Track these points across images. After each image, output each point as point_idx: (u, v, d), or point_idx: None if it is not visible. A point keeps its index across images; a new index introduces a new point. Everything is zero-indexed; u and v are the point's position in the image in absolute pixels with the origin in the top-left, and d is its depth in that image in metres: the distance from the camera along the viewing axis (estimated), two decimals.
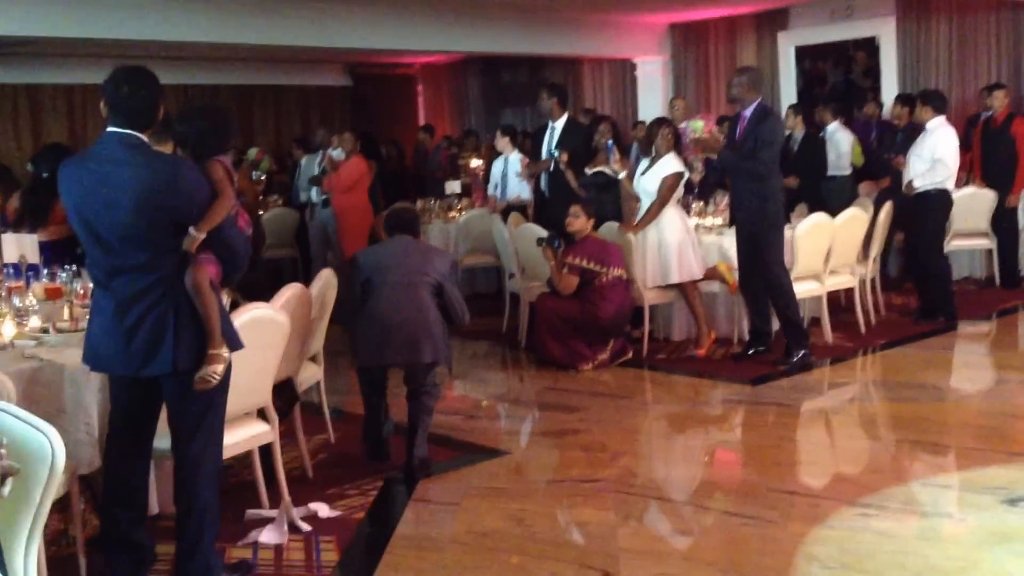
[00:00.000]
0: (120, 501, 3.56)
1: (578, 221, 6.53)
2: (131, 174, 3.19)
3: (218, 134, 3.51)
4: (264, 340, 3.94)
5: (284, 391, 4.54)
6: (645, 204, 6.76)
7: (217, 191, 3.36)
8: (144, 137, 3.29)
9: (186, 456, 3.47)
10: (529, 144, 9.11)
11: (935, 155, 7.18)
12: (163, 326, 3.28)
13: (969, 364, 6.75)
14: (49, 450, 2.17)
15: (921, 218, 7.35)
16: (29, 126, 12.80)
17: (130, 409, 3.51)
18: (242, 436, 4.05)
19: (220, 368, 3.33)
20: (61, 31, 8.51)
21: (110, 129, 3.27)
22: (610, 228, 6.85)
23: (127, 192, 3.18)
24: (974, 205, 8.30)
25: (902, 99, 8.75)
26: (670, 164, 6.68)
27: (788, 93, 11.39)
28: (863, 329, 7.13)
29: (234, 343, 3.45)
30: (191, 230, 3.25)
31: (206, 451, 3.48)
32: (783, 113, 9.67)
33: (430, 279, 4.74)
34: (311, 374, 5.11)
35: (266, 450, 4.24)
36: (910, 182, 7.27)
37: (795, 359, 6.32)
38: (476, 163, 10.27)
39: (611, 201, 7.28)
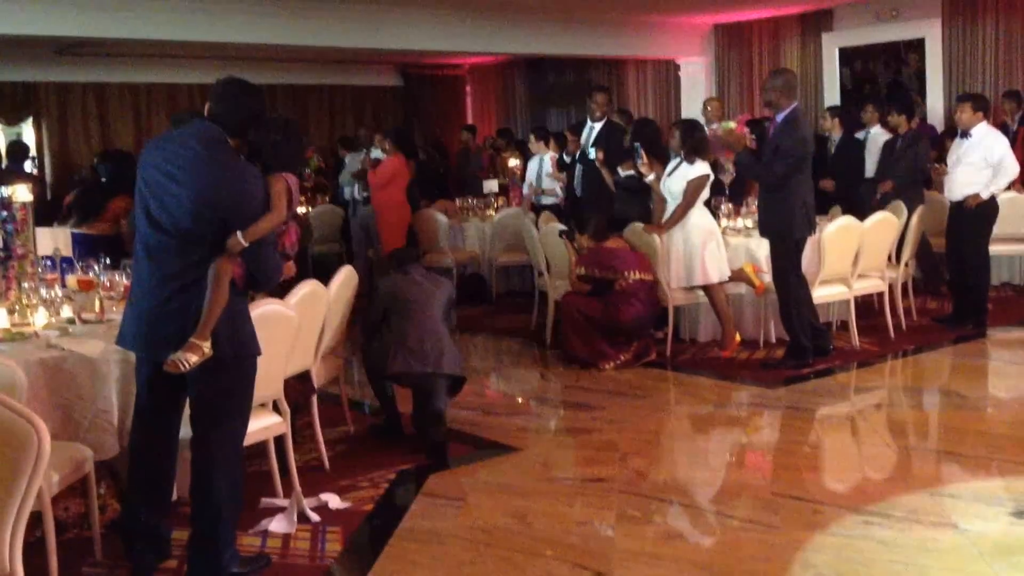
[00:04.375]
0: (141, 493, 3.62)
1: (581, 240, 6.73)
2: (196, 163, 3.33)
3: (291, 149, 3.59)
4: (274, 335, 4.05)
5: (300, 384, 4.67)
6: (671, 206, 6.78)
7: (271, 205, 3.44)
8: (225, 135, 3.42)
9: (204, 447, 3.51)
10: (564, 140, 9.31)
11: (992, 161, 7.05)
12: (187, 312, 3.34)
13: (997, 372, 6.63)
14: (35, 439, 2.27)
15: (967, 225, 7.23)
16: (97, 124, 13.21)
17: (156, 396, 3.56)
18: (255, 427, 4.15)
19: (192, 358, 3.32)
20: (124, 32, 8.84)
21: (199, 119, 3.47)
22: (635, 229, 6.88)
23: (188, 178, 3.31)
24: (1014, 210, 8.13)
25: (900, 106, 8.58)
26: (696, 166, 6.69)
27: (832, 94, 11.27)
28: (892, 334, 7.06)
29: (249, 348, 3.50)
30: (239, 234, 3.32)
31: (224, 445, 3.51)
32: (821, 116, 9.59)
33: (441, 304, 5.24)
34: (332, 367, 5.25)
35: (282, 441, 4.37)
36: (976, 194, 7.09)
37: (786, 364, 6.35)
38: (514, 163, 10.37)
39: (640, 203, 7.31)
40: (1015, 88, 9.39)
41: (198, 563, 3.56)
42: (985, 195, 7.08)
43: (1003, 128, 8.86)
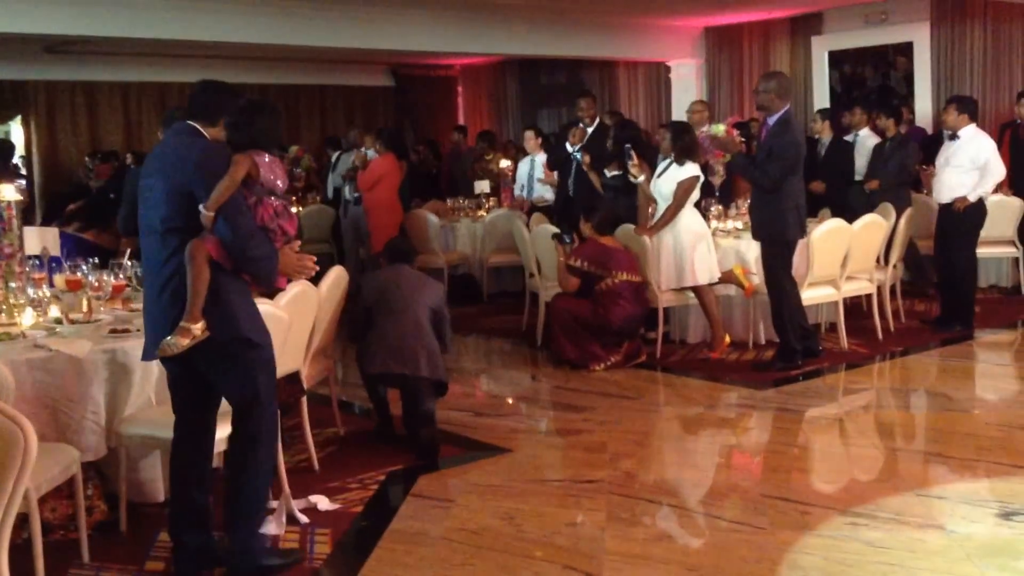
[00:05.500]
0: (182, 500, 3.61)
1: (583, 226, 6.71)
2: (167, 152, 3.48)
3: (241, 130, 3.58)
4: None
5: (290, 385, 4.66)
6: (661, 207, 6.80)
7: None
8: (199, 127, 3.51)
9: (236, 441, 3.58)
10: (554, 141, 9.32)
11: (978, 163, 7.07)
12: (177, 300, 3.38)
13: (984, 374, 6.67)
14: (22, 440, 2.26)
15: (955, 227, 7.25)
16: (86, 122, 13.18)
17: (184, 397, 3.60)
18: None
19: (184, 341, 3.33)
20: (114, 31, 8.82)
21: (180, 123, 3.57)
22: (626, 230, 6.89)
23: (160, 167, 3.45)
24: (1001, 213, 8.19)
25: (888, 110, 8.63)
26: (686, 168, 6.70)
27: (821, 97, 11.32)
28: (880, 336, 7.09)
29: (243, 332, 3.48)
30: (200, 207, 3.36)
31: (252, 441, 3.54)
32: (811, 118, 9.62)
33: (426, 304, 5.16)
34: (323, 368, 5.24)
35: None
36: (963, 196, 7.10)
37: (775, 365, 6.36)
38: (505, 163, 10.37)
39: (629, 203, 7.32)
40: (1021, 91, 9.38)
41: (229, 556, 3.60)
42: (972, 198, 7.11)
43: (1011, 126, 8.92)
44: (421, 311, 5.14)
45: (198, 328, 3.36)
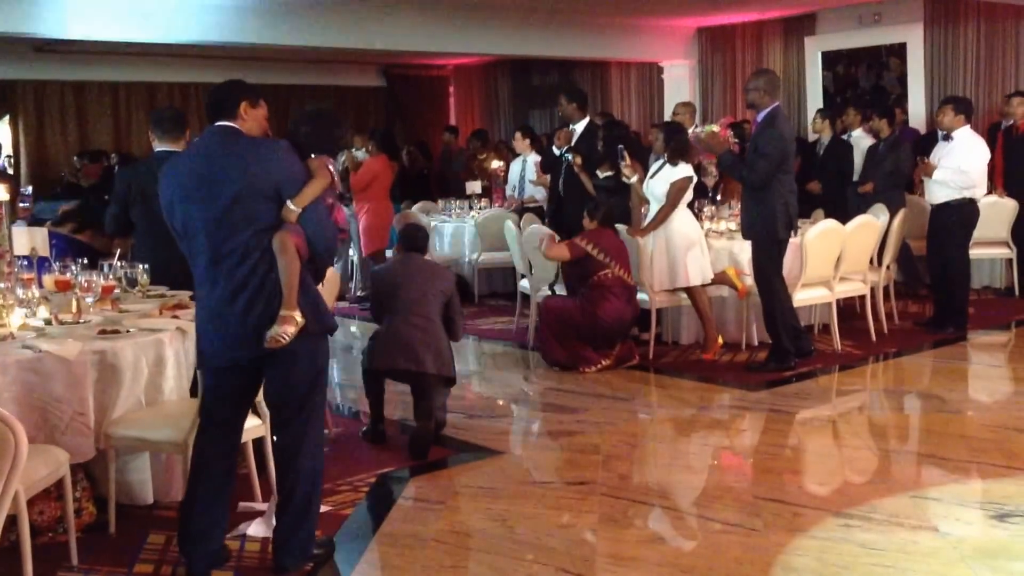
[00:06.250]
0: (204, 505, 3.56)
1: (587, 223, 6.67)
2: (233, 152, 3.44)
3: (321, 137, 3.72)
4: None
5: None
6: (654, 208, 6.79)
7: (313, 175, 3.53)
8: (238, 127, 3.51)
9: (290, 436, 3.59)
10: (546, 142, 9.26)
11: (963, 166, 7.08)
12: (271, 305, 3.39)
13: (978, 375, 6.67)
14: (12, 442, 2.24)
15: (948, 228, 7.25)
16: (75, 122, 13.14)
17: (224, 402, 3.60)
18: None
19: (291, 330, 3.37)
20: (106, 33, 8.77)
21: (210, 125, 3.55)
22: (619, 231, 6.87)
23: (232, 169, 3.40)
24: (995, 214, 8.21)
25: (882, 111, 8.65)
26: (679, 168, 6.69)
27: (815, 98, 11.33)
28: (873, 337, 7.09)
29: (327, 323, 3.57)
30: (288, 203, 3.40)
31: (309, 430, 3.58)
32: (811, 117, 9.62)
33: (438, 295, 5.11)
34: None
35: (261, 443, 4.32)
36: (928, 163, 7.13)
37: (768, 367, 6.34)
38: (496, 164, 10.35)
39: (619, 205, 7.30)
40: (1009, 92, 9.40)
41: (282, 559, 3.64)
42: (938, 177, 7.06)
43: (996, 126, 8.94)
44: (433, 304, 5.11)
45: (298, 315, 3.40)
